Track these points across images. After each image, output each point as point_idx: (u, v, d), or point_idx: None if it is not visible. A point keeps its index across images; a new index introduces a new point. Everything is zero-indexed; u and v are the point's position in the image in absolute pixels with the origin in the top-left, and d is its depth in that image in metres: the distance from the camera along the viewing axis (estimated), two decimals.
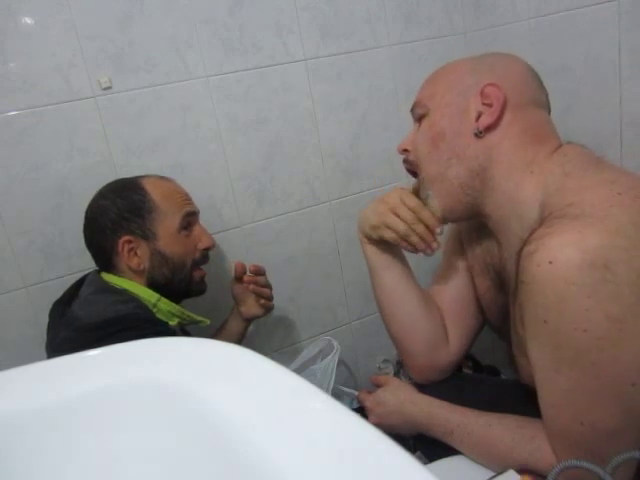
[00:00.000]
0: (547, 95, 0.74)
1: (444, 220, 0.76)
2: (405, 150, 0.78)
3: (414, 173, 0.78)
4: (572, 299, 0.53)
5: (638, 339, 0.53)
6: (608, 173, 0.61)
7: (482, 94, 0.68)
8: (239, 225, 1.15)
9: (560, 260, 0.53)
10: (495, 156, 0.68)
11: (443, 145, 0.71)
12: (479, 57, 0.75)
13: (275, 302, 1.07)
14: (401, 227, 0.75)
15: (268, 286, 1.03)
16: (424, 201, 0.75)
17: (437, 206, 0.74)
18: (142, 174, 0.94)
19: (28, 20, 0.92)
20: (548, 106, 0.74)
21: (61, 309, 0.87)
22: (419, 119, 0.75)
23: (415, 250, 0.77)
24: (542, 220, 0.61)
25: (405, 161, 0.79)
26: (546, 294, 0.55)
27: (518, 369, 0.74)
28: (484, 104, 0.68)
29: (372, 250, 0.83)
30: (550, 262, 0.53)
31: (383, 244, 0.82)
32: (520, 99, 0.69)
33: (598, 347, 0.53)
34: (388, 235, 0.77)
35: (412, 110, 0.77)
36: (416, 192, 0.78)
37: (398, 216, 0.75)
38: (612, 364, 0.54)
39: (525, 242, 0.60)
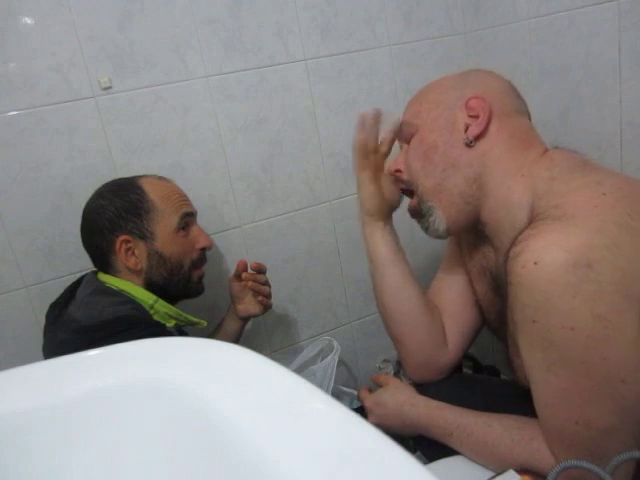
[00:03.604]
0: (526, 105, 0.76)
1: (448, 232, 0.76)
2: (397, 171, 0.79)
3: (409, 192, 0.79)
4: (558, 299, 0.54)
5: (624, 336, 0.54)
6: (595, 175, 0.63)
7: (467, 107, 0.71)
8: (239, 225, 1.15)
9: (544, 261, 0.54)
10: (488, 162, 0.70)
11: (437, 157, 0.72)
12: (459, 74, 0.78)
13: (275, 302, 1.07)
14: (371, 130, 0.77)
15: (267, 284, 1.03)
16: (427, 213, 0.76)
17: (441, 216, 0.74)
18: (141, 174, 0.94)
19: (28, 20, 0.92)
20: (529, 115, 0.76)
21: (57, 311, 0.87)
22: (407, 138, 0.77)
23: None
24: (529, 223, 0.62)
25: (399, 181, 0.80)
26: (532, 295, 0.56)
27: (515, 370, 0.74)
28: (470, 116, 0.71)
29: (382, 241, 0.82)
30: (535, 263, 0.54)
31: (389, 214, 0.83)
32: (504, 108, 0.72)
33: (586, 345, 0.54)
34: (381, 146, 0.79)
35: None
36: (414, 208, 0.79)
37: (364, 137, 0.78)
38: (601, 362, 0.54)
39: (512, 244, 0.61)
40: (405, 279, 0.83)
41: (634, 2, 0.84)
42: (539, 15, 1.01)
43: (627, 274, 0.53)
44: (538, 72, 1.05)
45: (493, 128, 0.70)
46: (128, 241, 0.87)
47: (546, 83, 1.04)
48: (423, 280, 0.89)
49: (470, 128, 0.70)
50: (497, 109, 0.71)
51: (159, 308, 0.88)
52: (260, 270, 1.01)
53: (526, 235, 0.58)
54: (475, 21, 1.20)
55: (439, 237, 0.78)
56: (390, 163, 0.81)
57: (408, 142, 0.77)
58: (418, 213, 0.78)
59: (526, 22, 1.05)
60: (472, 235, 0.82)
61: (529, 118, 0.76)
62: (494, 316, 0.81)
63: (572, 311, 0.53)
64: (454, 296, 0.88)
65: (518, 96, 0.75)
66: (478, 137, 0.70)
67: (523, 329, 0.59)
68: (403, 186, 0.80)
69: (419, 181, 0.75)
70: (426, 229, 0.78)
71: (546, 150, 0.71)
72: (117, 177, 0.95)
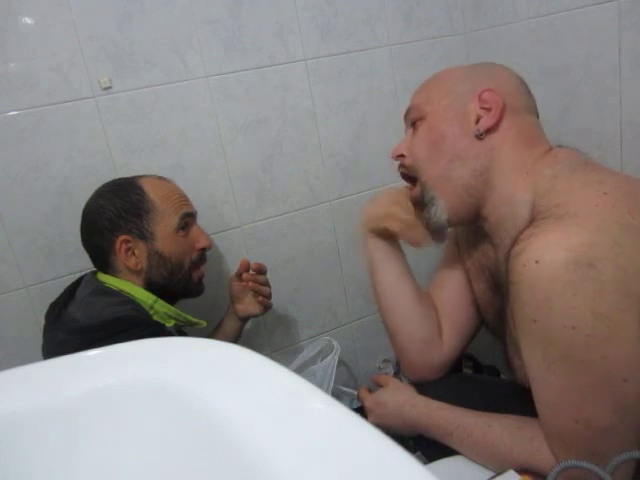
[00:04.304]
0: (535, 102, 0.76)
1: (448, 223, 0.76)
2: (400, 155, 0.78)
3: (410, 178, 0.79)
4: (559, 297, 0.54)
5: (625, 335, 0.54)
6: (596, 174, 0.63)
7: (480, 99, 0.70)
8: (239, 225, 1.15)
9: (545, 259, 0.54)
10: (496, 157, 0.70)
11: (444, 147, 0.72)
12: (471, 66, 0.77)
13: (275, 302, 1.06)
14: (404, 216, 0.78)
15: (267, 284, 1.03)
16: (429, 203, 0.75)
17: (443, 206, 0.74)
18: (141, 174, 0.94)
19: (28, 20, 0.92)
20: (537, 113, 0.76)
21: (57, 311, 0.87)
22: (414, 123, 0.77)
23: (418, 243, 0.79)
24: (531, 221, 0.62)
25: (401, 166, 0.80)
26: (533, 293, 0.56)
27: (514, 370, 0.74)
28: (482, 108, 0.70)
29: (373, 243, 0.85)
30: (536, 262, 0.55)
31: (385, 238, 0.84)
32: (515, 105, 0.71)
33: (587, 344, 0.54)
34: (391, 225, 0.80)
35: (406, 115, 0.79)
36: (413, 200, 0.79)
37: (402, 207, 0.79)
38: (601, 360, 0.55)
39: (513, 243, 0.61)
40: (398, 276, 0.84)
41: (634, 2, 0.84)
42: (539, 15, 1.01)
43: (628, 273, 0.53)
44: (538, 72, 1.05)
45: (504, 123, 0.70)
46: (128, 241, 0.87)
47: (546, 83, 1.04)
48: (422, 279, 0.89)
49: (482, 120, 0.69)
50: (509, 104, 0.70)
51: (158, 308, 0.88)
52: (260, 270, 1.01)
53: (528, 234, 0.58)
54: (475, 21, 1.20)
55: (440, 228, 0.78)
56: (394, 147, 0.80)
57: (413, 126, 0.76)
58: (420, 203, 0.77)
59: (526, 22, 1.05)
60: (471, 233, 0.82)
61: (537, 116, 0.76)
62: (492, 315, 0.81)
63: (572, 310, 0.54)
64: (451, 295, 0.88)
65: (528, 93, 0.75)
66: (489, 131, 0.69)
67: (523, 328, 0.60)
68: (404, 171, 0.79)
69: (424, 169, 0.75)
70: (427, 220, 0.77)
71: (551, 148, 0.71)
72: (117, 177, 0.95)
